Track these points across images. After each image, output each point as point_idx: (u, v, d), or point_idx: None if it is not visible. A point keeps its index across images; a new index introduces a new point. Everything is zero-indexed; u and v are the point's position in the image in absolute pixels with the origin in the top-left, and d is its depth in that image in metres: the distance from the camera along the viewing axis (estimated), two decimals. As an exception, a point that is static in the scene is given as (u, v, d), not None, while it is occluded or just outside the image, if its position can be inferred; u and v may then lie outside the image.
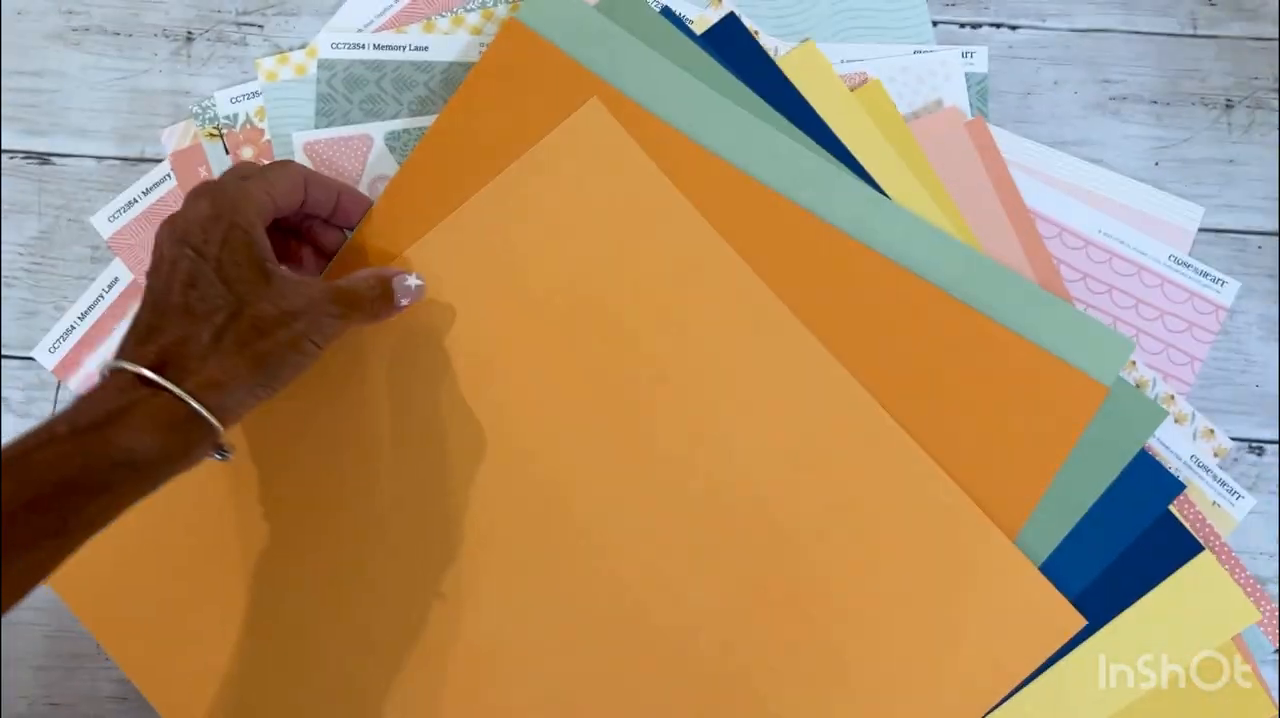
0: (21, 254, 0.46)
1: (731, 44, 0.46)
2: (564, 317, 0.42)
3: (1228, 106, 0.47)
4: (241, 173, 0.38)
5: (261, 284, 0.35)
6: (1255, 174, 0.46)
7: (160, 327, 0.33)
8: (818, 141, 0.44)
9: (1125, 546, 0.41)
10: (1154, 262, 0.45)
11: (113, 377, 0.32)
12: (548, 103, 0.44)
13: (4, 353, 0.46)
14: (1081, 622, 0.40)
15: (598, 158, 0.43)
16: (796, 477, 0.40)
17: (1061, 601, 0.40)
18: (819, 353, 0.41)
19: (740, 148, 0.43)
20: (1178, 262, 0.45)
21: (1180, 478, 0.42)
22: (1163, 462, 0.43)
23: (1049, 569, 0.40)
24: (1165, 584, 0.41)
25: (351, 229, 0.43)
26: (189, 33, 0.48)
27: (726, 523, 0.40)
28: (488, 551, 0.40)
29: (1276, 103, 0.47)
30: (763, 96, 0.45)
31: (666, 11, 0.47)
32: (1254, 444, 0.44)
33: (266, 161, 0.43)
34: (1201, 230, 0.46)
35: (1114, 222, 0.45)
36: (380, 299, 0.39)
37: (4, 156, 0.47)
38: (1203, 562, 0.41)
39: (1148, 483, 0.42)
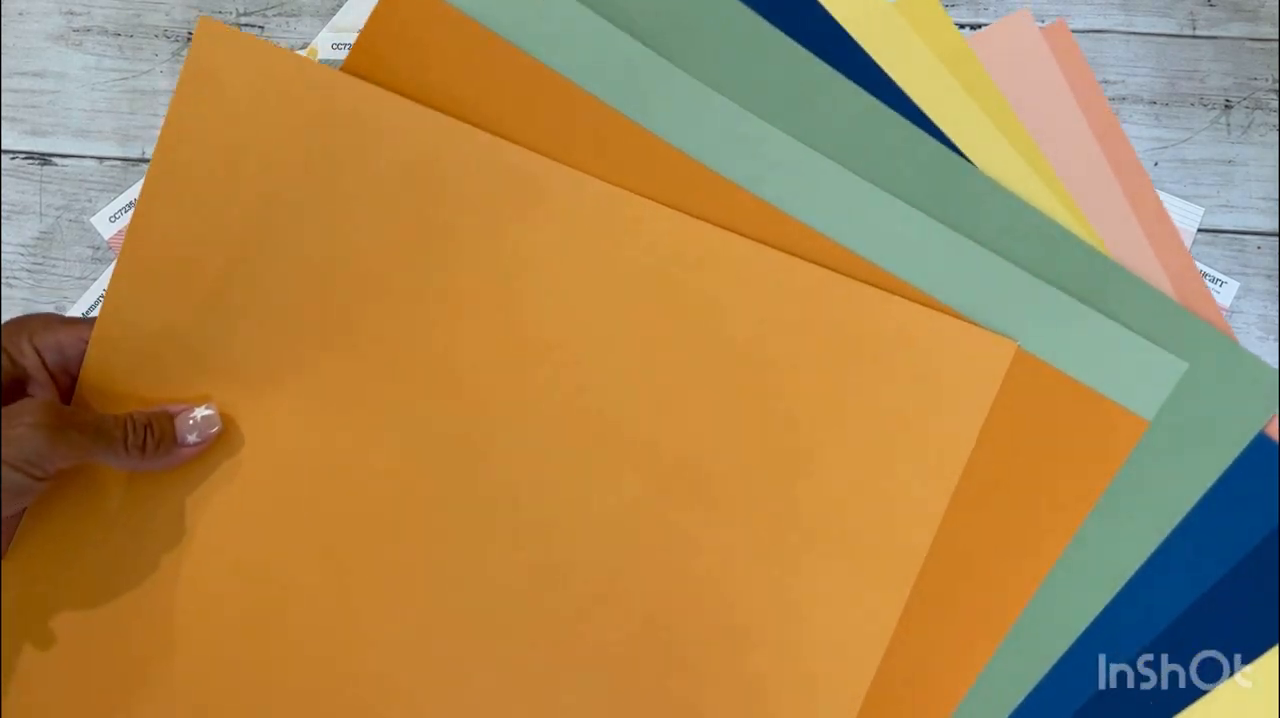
0: (22, 255, 0.46)
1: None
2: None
3: (1227, 107, 0.47)
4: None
5: None
6: (1254, 175, 0.46)
7: None
8: (846, 71, 0.37)
9: (1240, 556, 0.36)
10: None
11: None
12: (445, 73, 0.39)
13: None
14: (1009, 344, 0.36)
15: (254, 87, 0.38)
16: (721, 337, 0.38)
17: (985, 333, 0.37)
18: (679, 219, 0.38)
19: (678, 122, 0.37)
20: (1177, 262, 0.45)
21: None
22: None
23: (1142, 586, 0.35)
24: None
25: None
26: (189, 34, 0.48)
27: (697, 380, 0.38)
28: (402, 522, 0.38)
29: (1276, 103, 0.47)
30: (777, 19, 0.38)
31: None
32: (1253, 444, 0.44)
33: None
34: (1200, 231, 0.46)
35: (1114, 222, 0.45)
36: (150, 430, 0.35)
37: (5, 157, 0.47)
38: None
39: (1270, 475, 0.36)
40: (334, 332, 0.39)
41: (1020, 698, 0.37)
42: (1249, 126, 0.47)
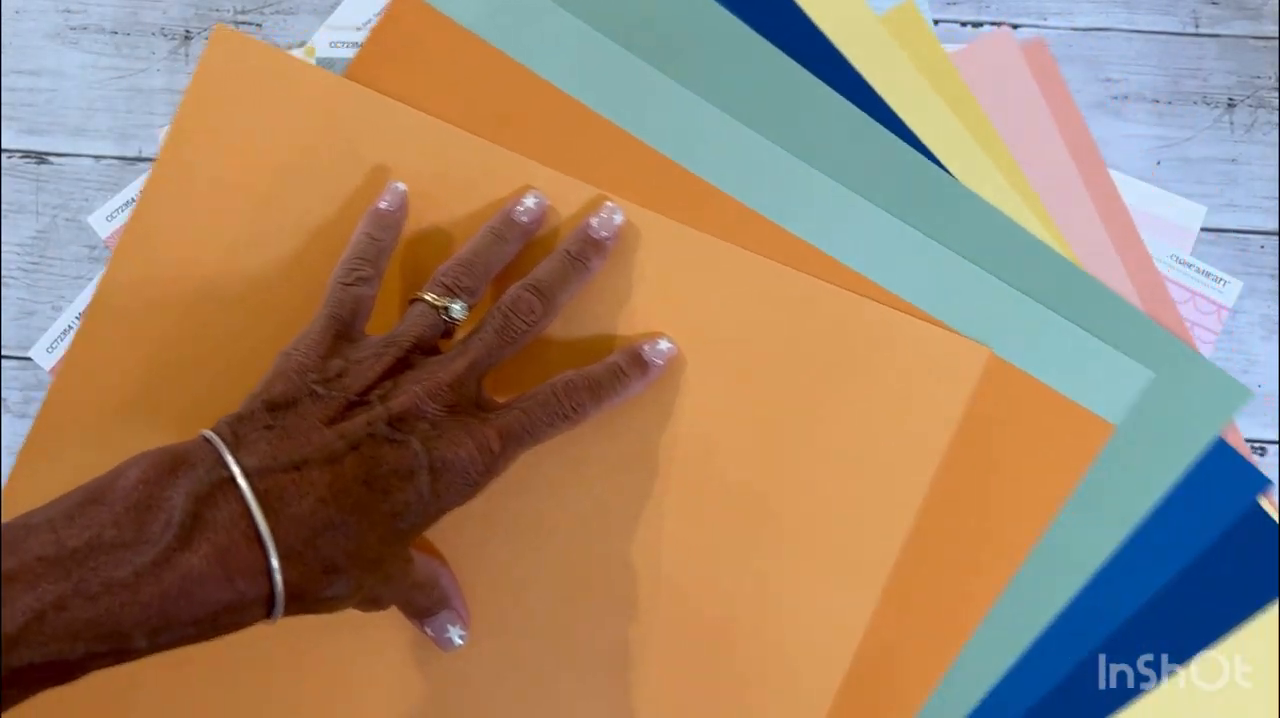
0: (19, 253, 0.46)
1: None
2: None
3: (1230, 106, 0.47)
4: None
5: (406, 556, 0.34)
6: (1257, 174, 0.46)
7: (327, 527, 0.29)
8: (831, 83, 0.39)
9: (1194, 554, 0.38)
10: (1155, 261, 0.45)
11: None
12: (446, 89, 0.40)
13: (2, 353, 0.45)
14: (982, 349, 0.38)
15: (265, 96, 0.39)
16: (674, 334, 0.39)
17: (960, 339, 0.38)
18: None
19: (669, 131, 0.39)
20: (1179, 261, 0.45)
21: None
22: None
23: (1105, 582, 0.38)
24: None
25: None
26: (187, 31, 0.48)
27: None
28: None
29: (1278, 102, 0.47)
30: (766, 30, 0.39)
31: None
32: (1255, 444, 0.44)
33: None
34: (1203, 230, 0.45)
35: (1115, 221, 0.45)
36: (425, 612, 0.37)
37: (2, 156, 0.47)
38: None
39: (1224, 479, 0.38)
40: None
41: (986, 690, 0.39)
42: (1252, 125, 0.47)
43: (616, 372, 0.37)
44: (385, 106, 0.39)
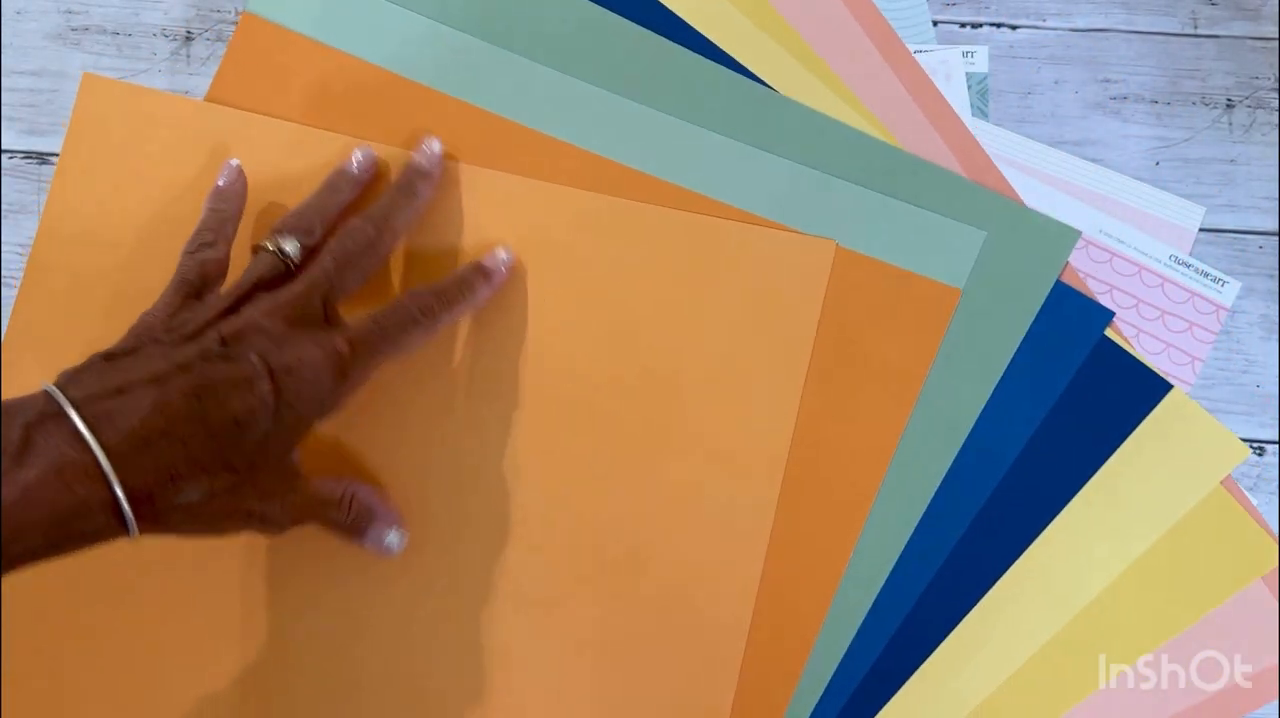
0: (21, 254, 0.46)
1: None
2: None
3: (1228, 106, 0.47)
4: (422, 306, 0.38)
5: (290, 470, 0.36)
6: (1256, 174, 0.46)
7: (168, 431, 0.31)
8: (640, 17, 0.43)
9: (1058, 394, 0.41)
10: (1154, 261, 0.45)
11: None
12: (299, 93, 0.43)
13: (3, 352, 0.45)
14: (828, 243, 0.41)
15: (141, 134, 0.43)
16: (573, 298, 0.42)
17: (805, 238, 0.41)
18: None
19: (500, 92, 0.43)
20: (1178, 261, 0.45)
21: (1180, 477, 0.42)
22: (1163, 461, 0.43)
23: (982, 435, 0.40)
24: (1138, 434, 0.41)
25: None
26: (188, 32, 0.48)
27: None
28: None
29: (1277, 103, 0.47)
30: None
31: None
32: (1254, 444, 0.44)
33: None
34: (1202, 230, 0.46)
35: (1114, 221, 0.45)
36: (351, 528, 0.38)
37: (3, 156, 0.47)
38: (1174, 400, 0.41)
39: (1070, 319, 0.41)
40: None
41: (896, 557, 0.41)
42: (1251, 126, 0.47)
43: (460, 279, 0.40)
44: (245, 120, 0.43)
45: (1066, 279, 0.43)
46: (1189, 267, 0.45)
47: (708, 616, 0.40)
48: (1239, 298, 0.45)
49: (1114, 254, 0.45)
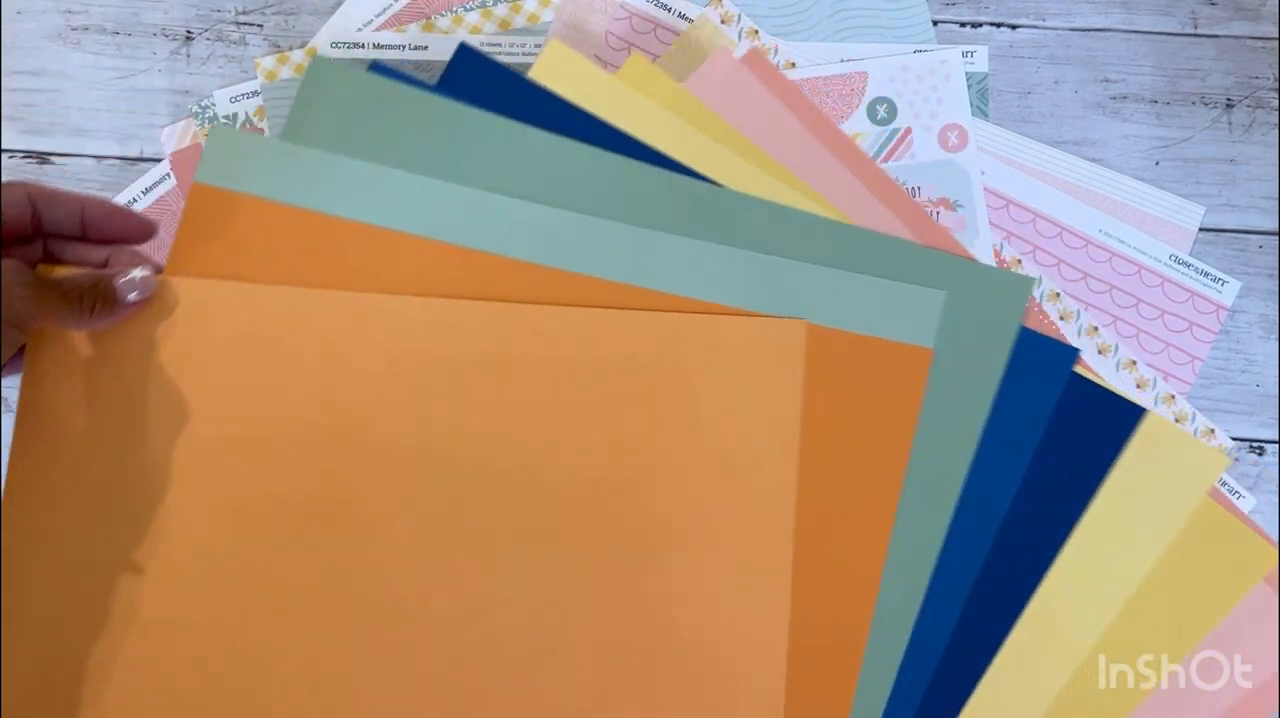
0: (21, 254, 0.46)
1: (473, 77, 0.45)
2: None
3: (1228, 106, 0.47)
4: None
5: None
6: (1256, 174, 0.46)
7: None
8: (592, 140, 0.43)
9: (1039, 435, 0.42)
10: (1154, 261, 0.45)
11: None
12: (257, 253, 0.43)
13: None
14: (799, 323, 0.42)
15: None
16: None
17: (776, 320, 0.42)
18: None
19: (466, 225, 0.43)
20: (1178, 261, 0.45)
21: (1180, 477, 0.42)
22: (1162, 461, 0.43)
23: (974, 487, 0.41)
24: (1121, 462, 0.42)
25: (117, 243, 0.41)
26: (188, 32, 0.48)
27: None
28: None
29: (1277, 102, 0.47)
30: (523, 116, 0.43)
31: (377, 66, 0.43)
32: (1254, 444, 0.44)
33: None
34: (1202, 230, 0.46)
35: (1114, 221, 0.45)
36: (95, 291, 0.37)
37: (4, 156, 0.47)
38: (1149, 424, 0.41)
39: (1038, 361, 0.42)
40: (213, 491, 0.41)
41: (912, 623, 0.42)
42: (1250, 125, 0.47)
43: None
44: (208, 288, 0.43)
45: (1030, 321, 0.44)
46: (1189, 266, 0.45)
47: (741, 707, 0.40)
48: (1238, 297, 0.45)
49: (1114, 254, 0.45)
